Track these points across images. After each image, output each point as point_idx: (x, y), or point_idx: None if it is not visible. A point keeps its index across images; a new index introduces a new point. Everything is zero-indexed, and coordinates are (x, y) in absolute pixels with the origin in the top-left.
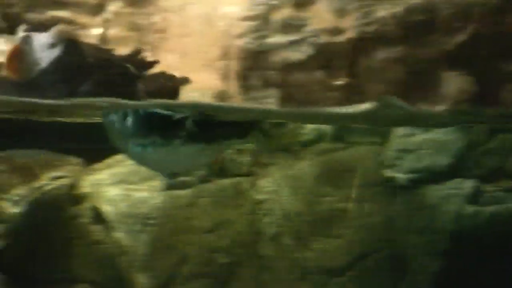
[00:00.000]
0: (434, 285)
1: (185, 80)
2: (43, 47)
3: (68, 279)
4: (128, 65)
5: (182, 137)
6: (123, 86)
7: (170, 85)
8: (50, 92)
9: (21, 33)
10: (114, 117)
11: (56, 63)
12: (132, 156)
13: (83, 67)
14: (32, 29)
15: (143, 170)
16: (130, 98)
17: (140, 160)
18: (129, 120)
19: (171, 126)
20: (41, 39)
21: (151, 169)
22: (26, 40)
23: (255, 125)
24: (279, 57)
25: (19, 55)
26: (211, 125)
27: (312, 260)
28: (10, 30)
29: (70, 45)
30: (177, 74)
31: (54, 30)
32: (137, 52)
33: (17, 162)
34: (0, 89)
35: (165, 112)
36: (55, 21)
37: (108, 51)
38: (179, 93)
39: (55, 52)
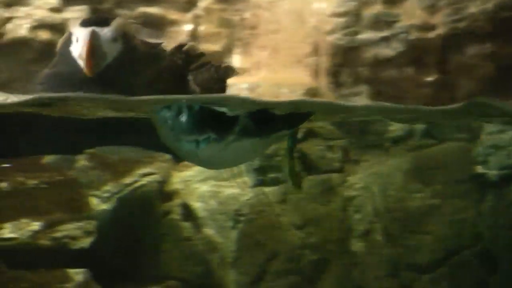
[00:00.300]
0: None
1: (231, 71)
2: (107, 42)
3: (157, 275)
4: (176, 59)
5: (236, 132)
6: (173, 80)
7: (217, 77)
8: (114, 88)
9: (78, 28)
10: (166, 113)
11: (119, 58)
12: (183, 153)
13: (136, 62)
14: (84, 23)
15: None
16: (180, 92)
17: (192, 157)
18: (183, 116)
19: (225, 121)
20: (105, 34)
21: (202, 166)
22: (95, 36)
23: (305, 116)
24: (369, 53)
25: (92, 51)
26: (263, 118)
27: (403, 256)
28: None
29: (129, 40)
30: (268, 70)
31: (114, 25)
32: (183, 44)
33: (108, 158)
34: (74, 86)
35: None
36: (145, 17)
37: (157, 45)
38: (226, 84)
39: (117, 47)
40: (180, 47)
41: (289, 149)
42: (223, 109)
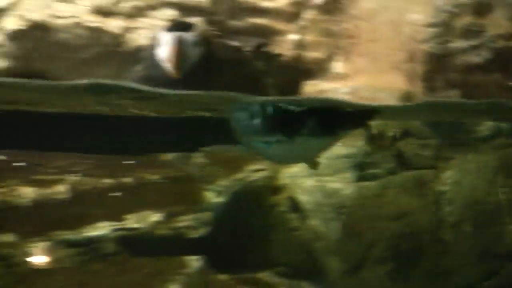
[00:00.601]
0: None
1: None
2: (190, 46)
3: (267, 262)
4: (255, 60)
5: (304, 133)
6: (251, 81)
7: (291, 78)
8: (196, 87)
9: (164, 33)
10: (240, 114)
11: (201, 60)
12: (255, 149)
13: (216, 63)
14: (169, 29)
15: (336, 163)
16: (257, 93)
17: (264, 154)
18: (255, 119)
19: (294, 123)
20: (188, 38)
21: (274, 162)
22: (180, 40)
23: (369, 115)
24: (460, 60)
25: (178, 55)
26: (329, 117)
27: (490, 246)
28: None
29: (210, 43)
30: (367, 76)
31: (197, 30)
32: (261, 45)
33: (221, 156)
34: (166, 86)
35: (289, 107)
36: (255, 28)
37: (236, 48)
38: (299, 85)
39: (199, 50)
40: (259, 47)
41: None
42: (292, 107)
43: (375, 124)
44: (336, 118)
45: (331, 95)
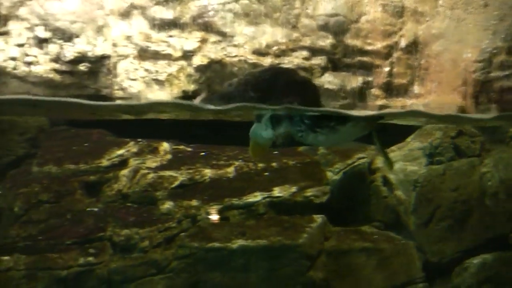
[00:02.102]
0: None
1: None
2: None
3: (367, 219)
4: (311, 82)
5: (330, 126)
6: (309, 98)
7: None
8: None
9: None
10: (298, 120)
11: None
12: (310, 143)
13: (277, 84)
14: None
15: (413, 153)
16: (314, 106)
17: (317, 144)
18: (308, 121)
19: (335, 121)
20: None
21: (324, 146)
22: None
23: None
24: (497, 85)
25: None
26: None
27: None
28: (334, 69)
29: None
30: (435, 95)
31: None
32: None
33: (337, 148)
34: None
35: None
36: (361, 63)
37: (294, 72)
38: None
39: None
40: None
41: (376, 140)
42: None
43: (440, 127)
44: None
45: (413, 107)
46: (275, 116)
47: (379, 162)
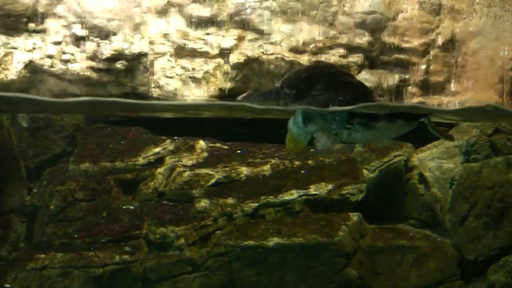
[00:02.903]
0: None
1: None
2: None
3: (403, 216)
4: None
5: (383, 122)
6: (365, 97)
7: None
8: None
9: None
10: (330, 117)
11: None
12: (347, 140)
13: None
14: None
15: (450, 150)
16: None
17: (354, 141)
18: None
19: (369, 118)
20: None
21: (361, 143)
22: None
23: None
24: None
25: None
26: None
27: None
28: (370, 66)
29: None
30: (472, 93)
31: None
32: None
33: (374, 145)
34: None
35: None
36: (397, 61)
37: (349, 74)
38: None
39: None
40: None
41: (430, 127)
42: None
43: (477, 124)
44: (402, 115)
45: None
46: (306, 113)
47: (416, 159)
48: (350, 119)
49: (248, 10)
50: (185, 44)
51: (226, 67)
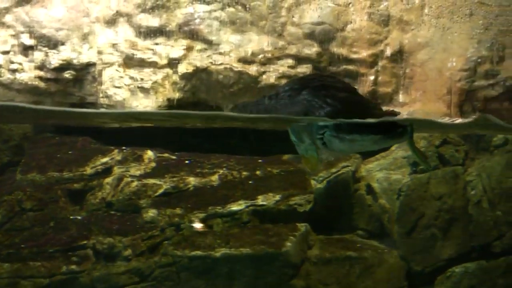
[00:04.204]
0: None
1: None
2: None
3: (351, 227)
4: (368, 99)
5: (366, 134)
6: (369, 111)
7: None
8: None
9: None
10: (315, 130)
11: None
12: (324, 149)
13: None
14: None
15: (398, 161)
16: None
17: (342, 152)
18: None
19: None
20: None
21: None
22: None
23: (411, 129)
24: (482, 94)
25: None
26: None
27: (500, 217)
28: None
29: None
30: (420, 104)
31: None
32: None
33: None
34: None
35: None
36: (346, 71)
37: (354, 90)
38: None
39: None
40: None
41: (410, 145)
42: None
43: (424, 135)
44: (385, 127)
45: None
46: (294, 129)
47: (364, 170)
48: (320, 131)
49: (197, 21)
50: (133, 54)
51: (175, 77)
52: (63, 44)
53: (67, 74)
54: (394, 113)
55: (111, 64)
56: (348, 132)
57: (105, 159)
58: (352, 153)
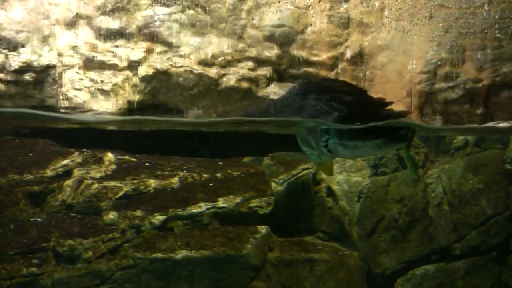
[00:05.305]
0: None
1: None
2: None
3: (311, 229)
4: (374, 101)
5: (370, 140)
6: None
7: (390, 113)
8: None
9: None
10: (319, 135)
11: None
12: (340, 155)
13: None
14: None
15: (358, 164)
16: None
17: (345, 156)
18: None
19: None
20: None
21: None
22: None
23: (411, 133)
24: (442, 96)
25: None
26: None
27: (461, 219)
28: (279, 79)
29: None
30: None
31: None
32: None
33: (282, 159)
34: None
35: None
36: (307, 74)
37: (363, 91)
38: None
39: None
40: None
41: (406, 150)
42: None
43: None
44: (386, 131)
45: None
46: (303, 139)
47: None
48: (323, 138)
49: (157, 23)
50: (93, 57)
51: (135, 80)
52: (23, 46)
53: (27, 77)
54: (403, 114)
55: (71, 67)
56: (350, 138)
57: (65, 161)
58: (358, 158)
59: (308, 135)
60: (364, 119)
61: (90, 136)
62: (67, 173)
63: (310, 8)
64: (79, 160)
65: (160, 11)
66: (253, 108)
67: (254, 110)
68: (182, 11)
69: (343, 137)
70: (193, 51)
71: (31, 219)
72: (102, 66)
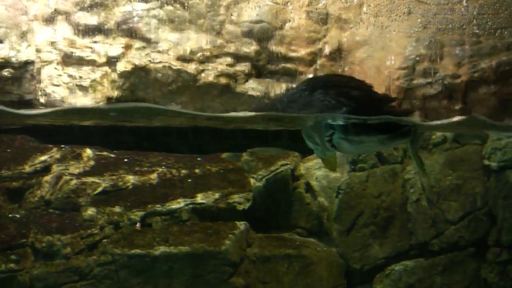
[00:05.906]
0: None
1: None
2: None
3: (290, 225)
4: (381, 96)
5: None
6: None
7: (398, 110)
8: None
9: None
10: (324, 130)
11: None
12: (344, 151)
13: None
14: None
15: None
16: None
17: (350, 151)
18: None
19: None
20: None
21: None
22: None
23: (414, 129)
24: (420, 92)
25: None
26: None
27: (439, 215)
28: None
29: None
30: None
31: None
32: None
33: (260, 154)
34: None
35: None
36: (285, 70)
37: (369, 87)
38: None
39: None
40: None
41: (411, 146)
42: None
43: None
44: (390, 127)
45: None
46: (307, 134)
47: (303, 168)
48: (328, 133)
49: (136, 19)
50: (72, 52)
51: (114, 76)
52: (1, 42)
53: (5, 72)
54: (409, 111)
55: (50, 62)
56: (356, 133)
57: (44, 157)
58: (361, 153)
59: (312, 131)
60: (371, 114)
61: (68, 132)
62: (46, 169)
63: (288, 4)
64: (58, 156)
65: (139, 7)
66: (258, 104)
67: (260, 106)
68: (161, 7)
69: (348, 132)
70: (171, 47)
71: (10, 215)
72: (80, 62)
